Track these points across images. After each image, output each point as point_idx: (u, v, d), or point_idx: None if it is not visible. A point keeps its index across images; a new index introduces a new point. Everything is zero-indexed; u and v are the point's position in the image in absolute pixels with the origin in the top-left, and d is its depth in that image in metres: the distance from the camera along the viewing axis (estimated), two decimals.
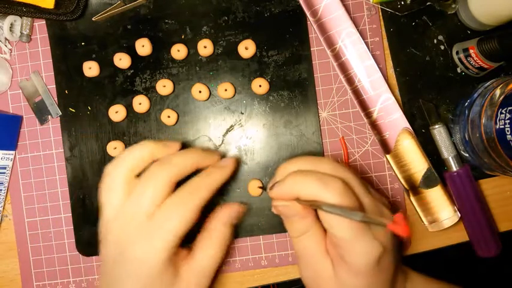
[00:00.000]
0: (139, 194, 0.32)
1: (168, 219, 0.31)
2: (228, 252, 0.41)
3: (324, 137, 0.41)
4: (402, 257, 0.41)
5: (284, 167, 0.34)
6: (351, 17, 0.40)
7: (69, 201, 0.42)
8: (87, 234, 0.42)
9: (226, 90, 0.41)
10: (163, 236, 0.31)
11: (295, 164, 0.33)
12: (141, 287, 0.32)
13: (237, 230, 0.41)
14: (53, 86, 0.43)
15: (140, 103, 0.41)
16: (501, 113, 0.34)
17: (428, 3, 0.41)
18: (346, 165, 0.41)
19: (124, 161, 0.33)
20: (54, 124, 0.43)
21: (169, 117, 0.41)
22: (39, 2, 0.40)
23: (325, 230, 0.33)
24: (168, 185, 0.32)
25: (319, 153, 0.41)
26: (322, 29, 0.41)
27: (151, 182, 0.32)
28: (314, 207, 0.31)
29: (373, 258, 0.30)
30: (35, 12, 0.40)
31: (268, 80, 0.41)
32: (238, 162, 0.41)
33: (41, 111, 0.43)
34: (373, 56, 0.40)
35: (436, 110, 0.41)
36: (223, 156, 0.42)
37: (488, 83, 0.38)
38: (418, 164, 0.39)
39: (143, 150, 0.34)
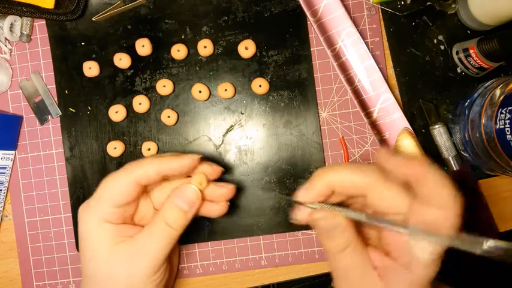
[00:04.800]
0: None
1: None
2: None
3: (324, 137, 0.41)
4: None
5: (322, 175, 0.30)
6: (351, 17, 0.40)
7: (69, 201, 0.42)
8: None
9: (226, 90, 0.41)
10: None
11: (336, 171, 0.30)
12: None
13: (237, 231, 0.41)
14: (53, 86, 0.43)
15: (140, 103, 0.41)
16: (501, 113, 0.34)
17: (428, 3, 0.41)
18: None
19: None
20: (54, 124, 0.43)
21: (169, 117, 0.41)
22: (39, 2, 0.40)
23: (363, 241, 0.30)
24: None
25: (319, 153, 0.41)
26: (322, 29, 0.41)
27: None
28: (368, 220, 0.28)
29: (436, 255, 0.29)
30: (35, 12, 0.40)
31: (268, 80, 0.41)
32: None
33: (41, 111, 0.43)
34: (373, 56, 0.40)
35: (436, 110, 0.41)
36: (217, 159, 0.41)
37: (488, 83, 0.38)
38: None
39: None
